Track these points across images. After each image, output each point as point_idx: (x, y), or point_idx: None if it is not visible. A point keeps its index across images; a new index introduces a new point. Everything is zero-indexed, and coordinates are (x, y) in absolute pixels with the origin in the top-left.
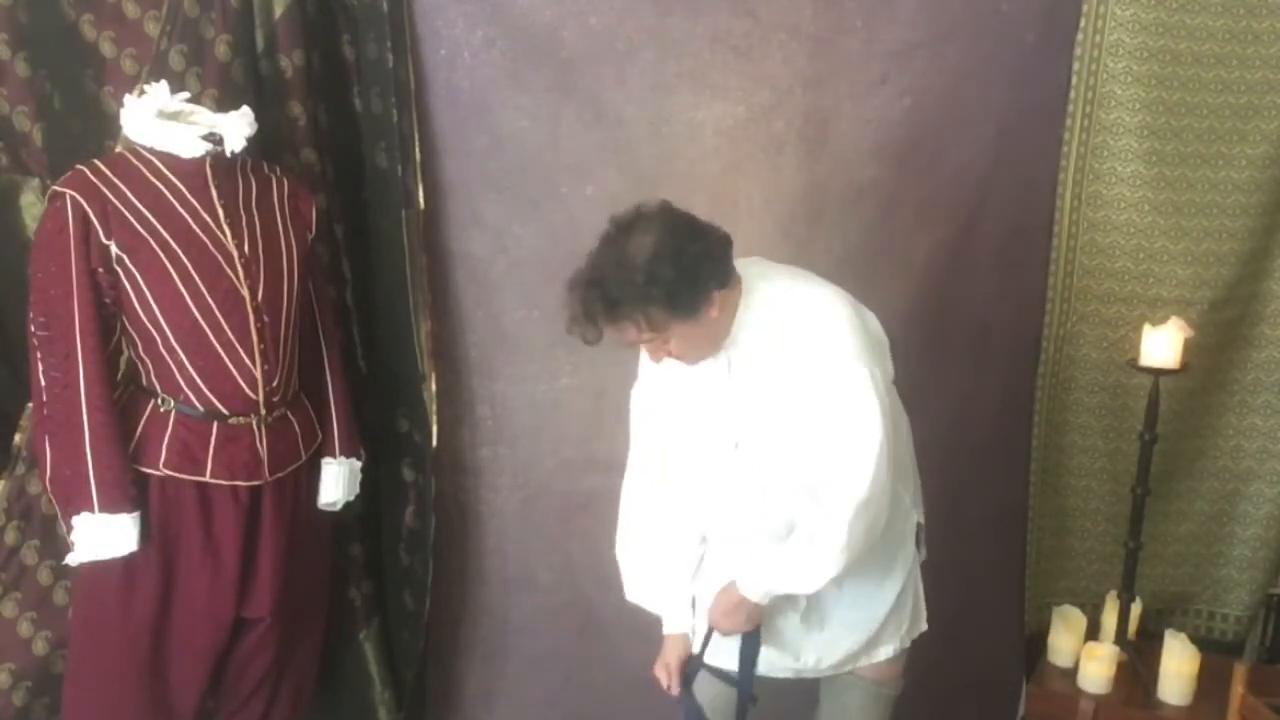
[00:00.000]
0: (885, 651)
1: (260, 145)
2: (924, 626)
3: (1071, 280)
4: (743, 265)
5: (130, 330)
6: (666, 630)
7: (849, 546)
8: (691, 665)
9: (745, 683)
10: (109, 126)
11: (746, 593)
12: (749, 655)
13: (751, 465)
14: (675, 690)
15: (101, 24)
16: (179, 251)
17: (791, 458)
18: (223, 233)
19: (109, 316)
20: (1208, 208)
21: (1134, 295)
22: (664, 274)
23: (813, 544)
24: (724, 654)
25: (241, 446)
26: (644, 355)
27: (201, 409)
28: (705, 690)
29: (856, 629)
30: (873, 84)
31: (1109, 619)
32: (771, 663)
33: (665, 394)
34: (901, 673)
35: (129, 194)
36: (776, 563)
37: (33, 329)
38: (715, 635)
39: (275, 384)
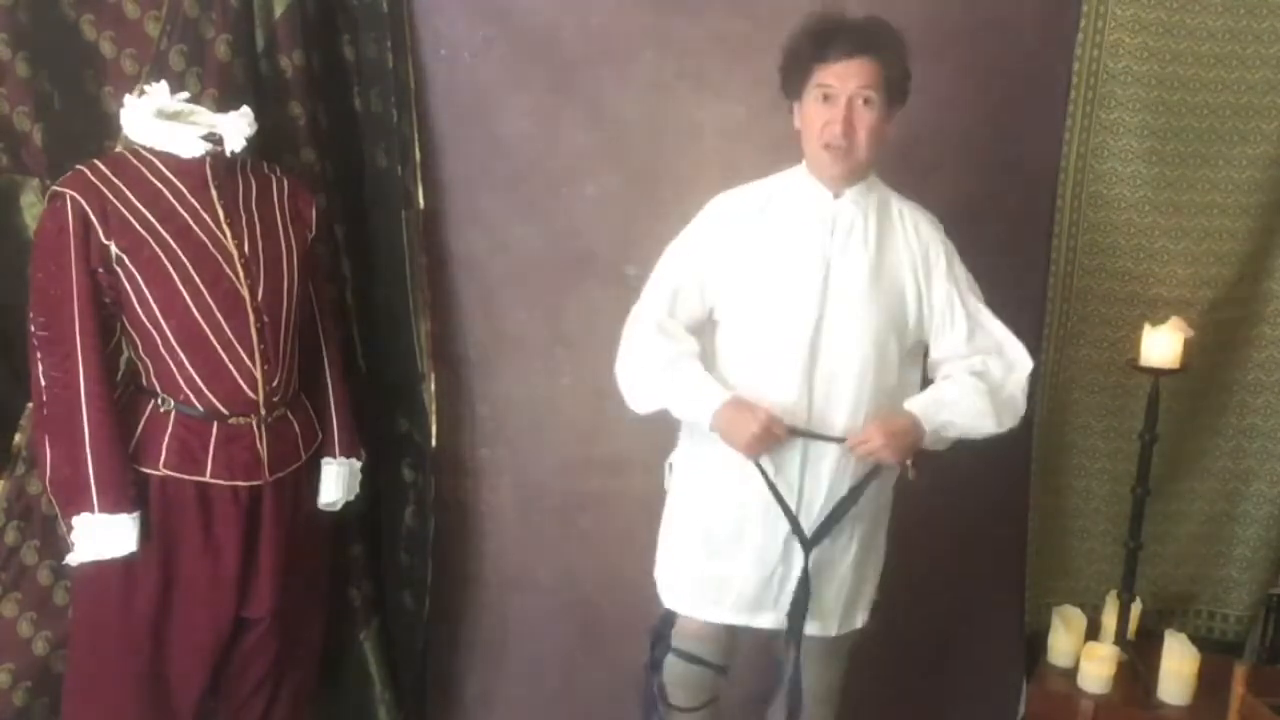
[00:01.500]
0: (863, 618)
1: (260, 145)
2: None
3: (1071, 280)
4: None
5: (130, 330)
6: (719, 400)
7: (1020, 409)
8: (659, 649)
9: (795, 632)
10: (109, 126)
11: (925, 420)
12: (799, 605)
13: (840, 343)
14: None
15: (101, 24)
16: (179, 251)
17: (891, 336)
18: (223, 233)
19: (109, 316)
20: (1208, 208)
21: (1134, 295)
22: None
23: (997, 395)
24: (743, 612)
25: (241, 446)
26: (731, 206)
27: (201, 409)
28: (672, 671)
29: (851, 594)
30: None
31: (1109, 619)
32: (724, 615)
33: (747, 254)
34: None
35: (129, 194)
36: (961, 403)
37: (33, 329)
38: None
39: (275, 384)
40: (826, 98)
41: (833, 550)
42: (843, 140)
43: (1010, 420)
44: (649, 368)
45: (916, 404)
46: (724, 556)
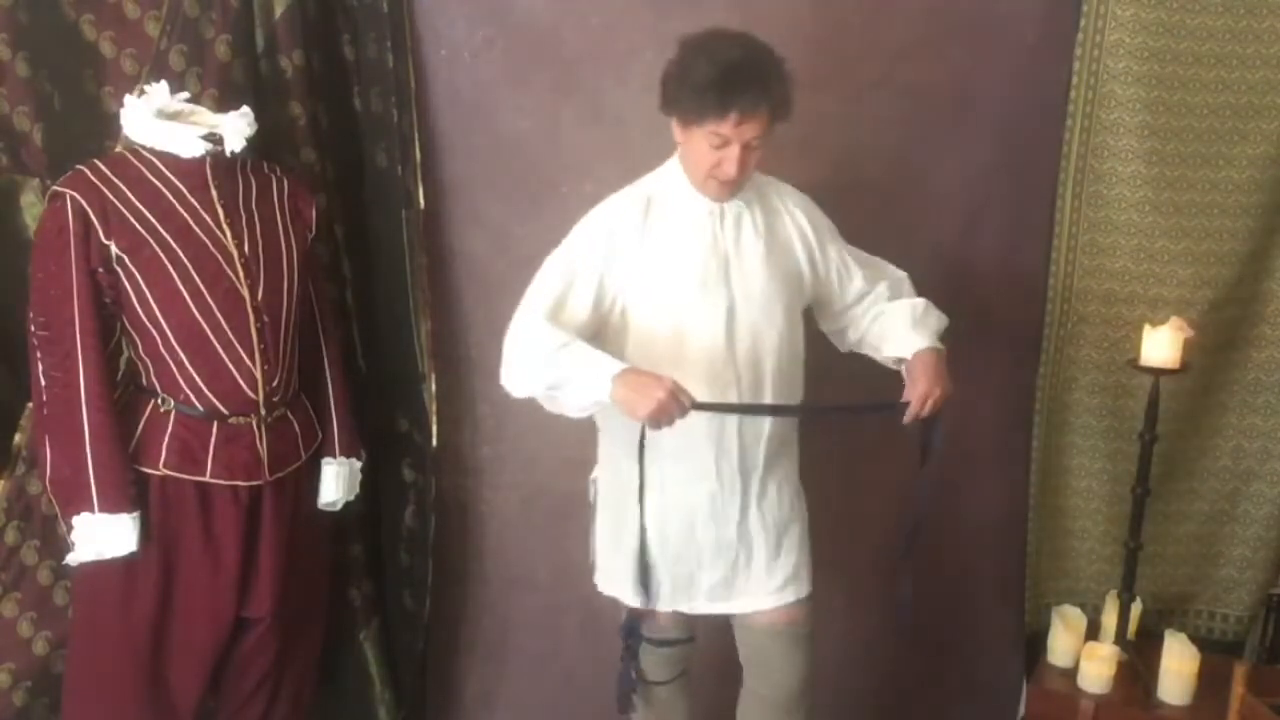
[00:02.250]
0: (802, 589)
1: (260, 145)
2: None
3: (1071, 280)
4: None
5: (130, 330)
6: (617, 367)
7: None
8: (633, 641)
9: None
10: (109, 126)
11: (937, 344)
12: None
13: (755, 325)
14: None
15: (101, 24)
16: (179, 251)
17: (788, 309)
18: (223, 233)
19: (109, 316)
20: (1208, 208)
21: (1134, 295)
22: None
23: (916, 303)
24: (700, 598)
25: (241, 446)
26: (615, 213)
27: (201, 409)
28: (648, 658)
29: (776, 571)
30: (872, 84)
31: (1109, 619)
32: (698, 606)
33: (640, 256)
34: (810, 614)
35: (129, 194)
36: (928, 313)
37: (33, 329)
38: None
39: (275, 384)
40: (721, 144)
41: (770, 506)
42: (734, 177)
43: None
44: (541, 349)
45: (921, 339)
46: (685, 559)
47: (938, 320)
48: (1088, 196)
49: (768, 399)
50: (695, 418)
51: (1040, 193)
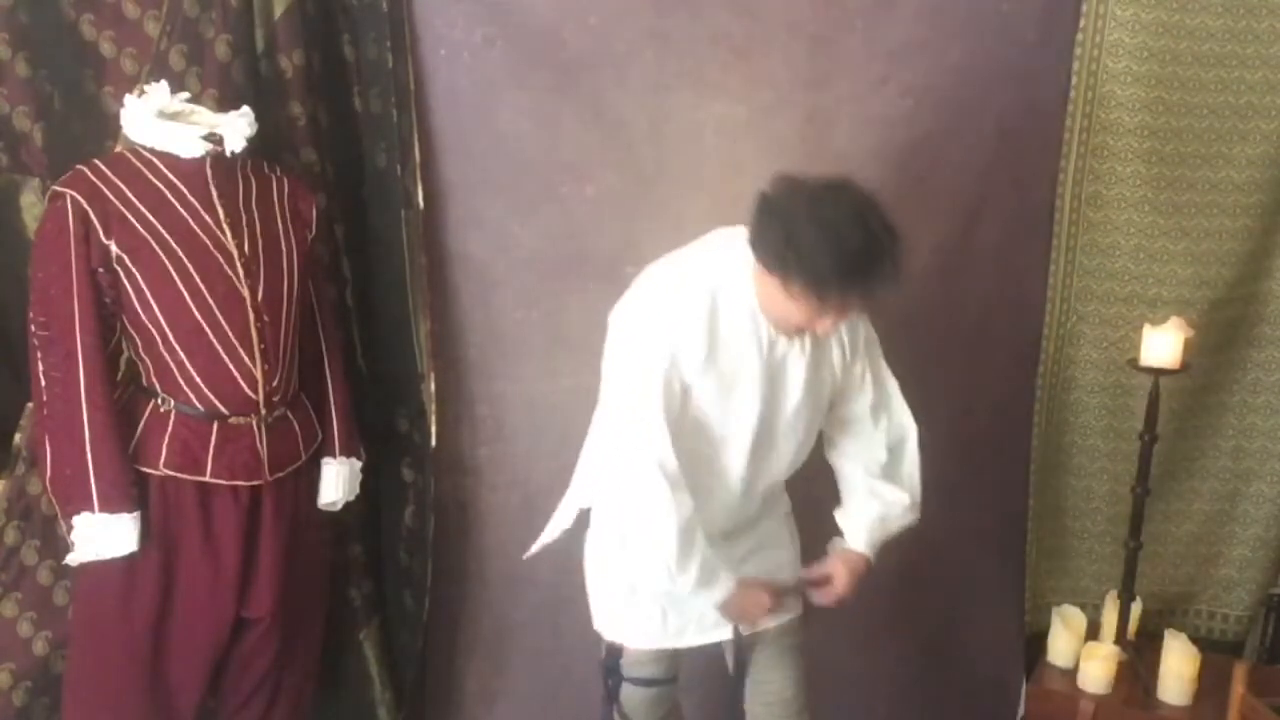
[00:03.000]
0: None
1: (260, 145)
2: None
3: (1071, 280)
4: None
5: (130, 330)
6: (724, 596)
7: (918, 482)
8: (613, 681)
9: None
10: (109, 126)
11: (869, 551)
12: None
13: (787, 447)
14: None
15: (101, 24)
16: (179, 251)
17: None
18: (223, 233)
19: (109, 316)
20: (1208, 208)
21: (1134, 295)
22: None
23: (908, 483)
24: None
25: (242, 446)
26: (678, 322)
27: (201, 409)
28: (630, 699)
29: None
30: (873, 84)
31: (1109, 619)
32: (707, 632)
33: (702, 361)
34: (800, 626)
35: (129, 194)
36: (889, 517)
37: (33, 329)
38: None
39: (275, 384)
40: (822, 314)
41: (766, 538)
42: (823, 336)
43: (918, 500)
44: (670, 550)
45: (870, 545)
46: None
47: (899, 529)
48: (1088, 196)
49: (759, 492)
50: (712, 484)
51: (1040, 193)
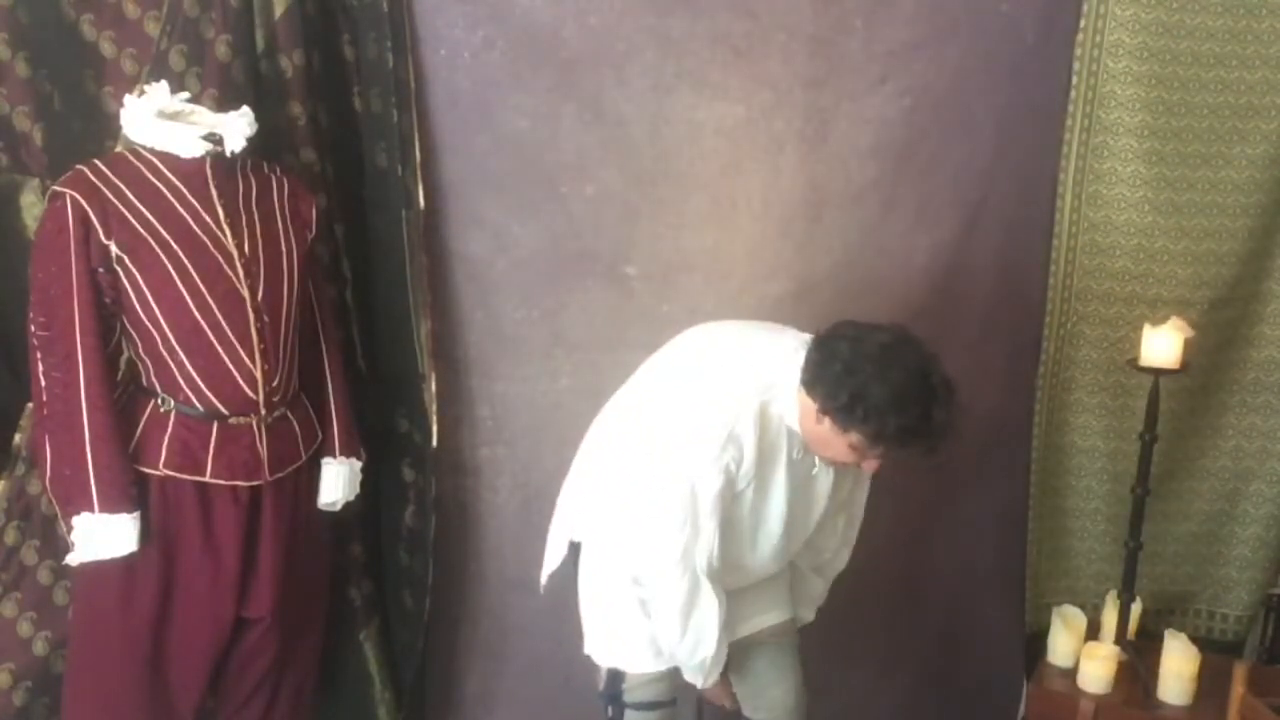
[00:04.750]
0: (786, 612)
1: (260, 145)
2: None
3: (1071, 280)
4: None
5: (130, 330)
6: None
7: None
8: (615, 709)
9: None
10: (109, 126)
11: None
12: None
13: (795, 533)
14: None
15: (101, 24)
16: (179, 251)
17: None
18: (223, 233)
19: (109, 316)
20: (1208, 208)
21: (1134, 295)
22: None
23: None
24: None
25: (241, 446)
26: (747, 437)
27: (201, 409)
28: None
29: (762, 599)
30: (873, 84)
31: (1109, 619)
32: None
33: (750, 473)
34: (794, 629)
35: (129, 194)
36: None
37: (33, 329)
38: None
39: (275, 384)
40: (869, 458)
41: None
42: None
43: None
44: (712, 630)
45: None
46: None
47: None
48: (1088, 196)
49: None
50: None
51: (1040, 193)
